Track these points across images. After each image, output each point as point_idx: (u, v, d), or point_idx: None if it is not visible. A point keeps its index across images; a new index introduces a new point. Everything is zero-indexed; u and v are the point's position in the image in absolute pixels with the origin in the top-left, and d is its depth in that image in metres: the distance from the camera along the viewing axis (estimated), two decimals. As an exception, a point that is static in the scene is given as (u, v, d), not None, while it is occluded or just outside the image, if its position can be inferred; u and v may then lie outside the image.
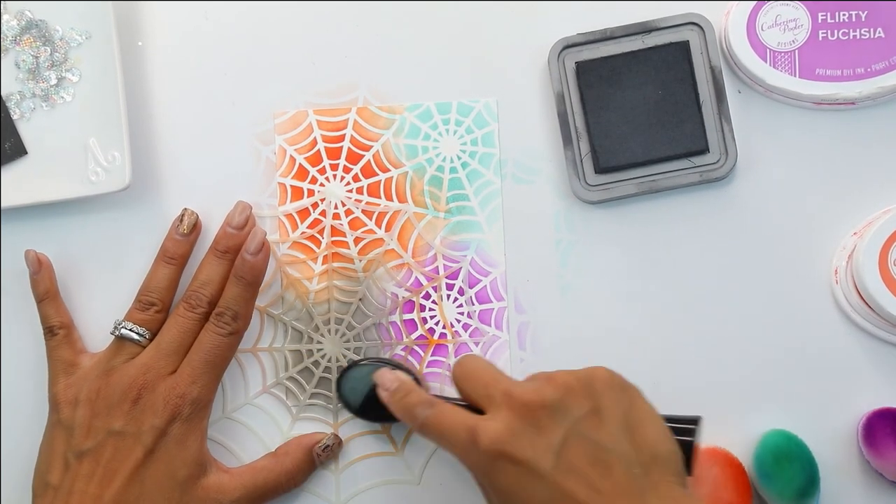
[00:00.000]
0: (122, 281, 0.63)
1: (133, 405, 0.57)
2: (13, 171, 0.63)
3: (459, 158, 0.64)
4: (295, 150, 0.64)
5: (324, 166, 0.64)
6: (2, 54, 0.64)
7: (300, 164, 0.64)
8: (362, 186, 0.64)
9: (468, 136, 0.64)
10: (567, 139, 0.62)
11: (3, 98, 0.63)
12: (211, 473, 0.58)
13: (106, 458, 0.56)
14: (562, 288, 0.63)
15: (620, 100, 0.61)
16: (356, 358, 0.63)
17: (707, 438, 0.60)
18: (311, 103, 0.64)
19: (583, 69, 0.61)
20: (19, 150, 0.63)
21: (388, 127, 0.64)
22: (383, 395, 0.56)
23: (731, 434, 0.60)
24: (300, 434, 0.62)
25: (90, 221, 0.64)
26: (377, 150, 0.64)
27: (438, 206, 0.63)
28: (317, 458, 0.61)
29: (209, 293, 0.60)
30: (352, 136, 0.64)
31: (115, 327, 0.60)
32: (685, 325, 0.62)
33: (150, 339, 0.60)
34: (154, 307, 0.60)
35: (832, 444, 0.60)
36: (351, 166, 0.64)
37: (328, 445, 0.61)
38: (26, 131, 0.63)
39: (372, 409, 0.60)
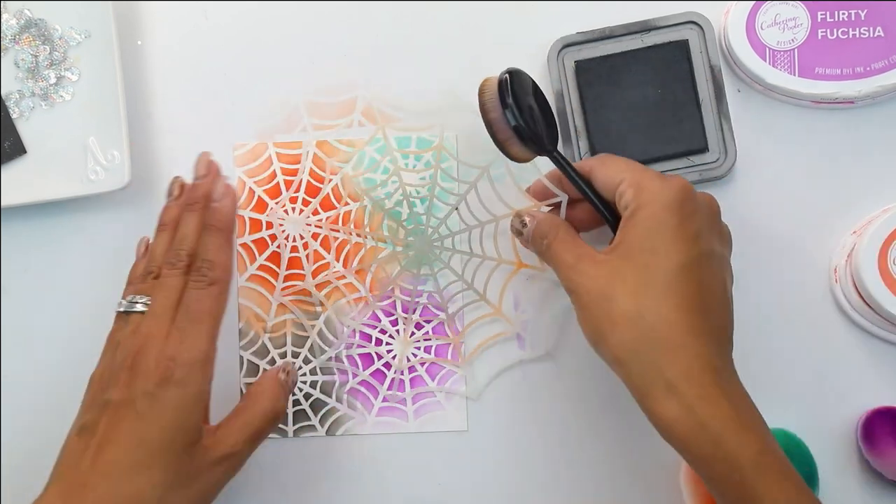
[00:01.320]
0: (122, 280, 0.63)
1: (129, 373, 0.55)
2: (13, 170, 0.63)
3: (419, 193, 0.63)
4: (254, 182, 0.64)
5: (282, 199, 0.64)
6: (1, 53, 0.64)
7: (259, 197, 0.64)
8: (321, 219, 0.63)
9: (426, 170, 0.63)
10: (566, 138, 0.62)
11: (3, 97, 0.63)
12: (206, 436, 0.56)
13: (101, 428, 0.54)
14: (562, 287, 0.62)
15: (620, 99, 0.61)
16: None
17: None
18: (311, 102, 0.64)
19: (582, 68, 0.61)
20: (19, 150, 0.63)
21: (347, 160, 0.64)
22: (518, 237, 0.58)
23: (731, 433, 0.60)
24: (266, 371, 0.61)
25: (90, 221, 0.64)
26: (336, 184, 0.64)
27: (397, 240, 0.63)
28: (284, 385, 0.59)
29: (187, 247, 0.58)
30: (311, 168, 0.64)
31: (119, 304, 0.59)
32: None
33: None
34: (151, 275, 0.58)
35: (831, 443, 0.60)
36: (310, 199, 0.64)
37: (286, 372, 0.59)
38: (25, 130, 0.63)
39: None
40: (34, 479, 0.62)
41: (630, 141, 0.61)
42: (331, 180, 0.64)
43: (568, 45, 0.62)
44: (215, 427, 0.57)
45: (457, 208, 0.63)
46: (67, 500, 0.53)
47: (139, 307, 0.57)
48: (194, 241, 0.58)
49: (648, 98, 0.61)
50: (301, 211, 0.64)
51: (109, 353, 0.57)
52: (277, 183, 0.64)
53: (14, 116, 0.63)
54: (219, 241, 0.58)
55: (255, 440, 0.58)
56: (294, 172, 0.64)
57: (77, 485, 0.54)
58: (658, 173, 0.53)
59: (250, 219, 0.64)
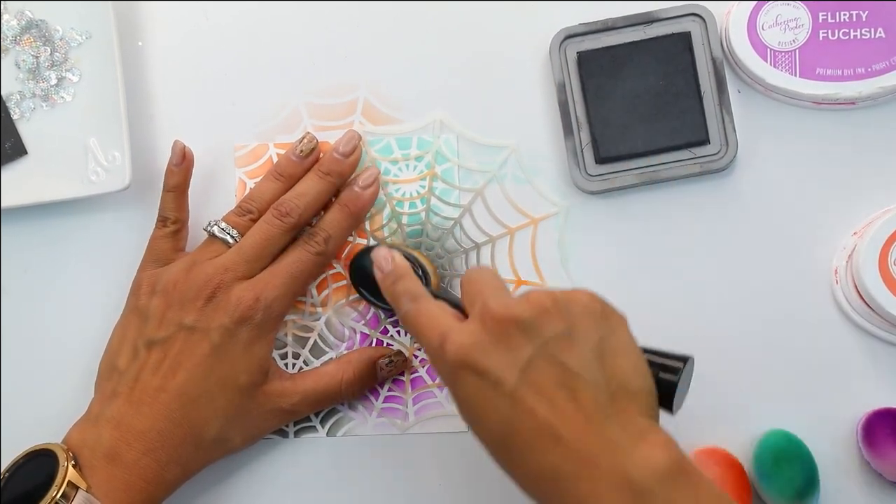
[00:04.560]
0: (122, 281, 0.63)
1: (206, 303, 0.57)
2: (13, 171, 0.63)
3: (419, 193, 0.63)
4: (255, 183, 0.63)
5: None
6: (2, 54, 0.64)
7: None
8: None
9: (427, 171, 0.63)
10: (568, 129, 0.62)
11: (4, 98, 0.63)
12: (273, 380, 0.59)
13: (174, 350, 0.57)
14: (561, 280, 0.62)
15: (621, 90, 0.61)
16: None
17: (706, 438, 0.60)
18: (312, 103, 0.64)
19: (584, 59, 0.61)
20: (19, 150, 0.63)
21: None
22: (377, 275, 0.55)
23: (731, 434, 0.60)
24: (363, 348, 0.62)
25: (90, 221, 0.64)
26: None
27: (397, 242, 0.63)
28: (379, 371, 0.61)
29: (302, 204, 0.60)
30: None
31: (209, 224, 0.60)
32: (684, 320, 0.62)
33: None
34: (250, 214, 0.60)
35: (832, 444, 0.60)
36: None
37: (392, 360, 0.61)
38: (26, 131, 0.63)
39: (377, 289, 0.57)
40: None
41: (631, 132, 0.61)
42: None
43: (570, 36, 0.62)
44: (289, 377, 0.60)
45: (452, 232, 0.63)
46: (139, 409, 0.56)
47: (229, 238, 0.59)
48: (312, 205, 0.60)
49: (650, 89, 0.61)
50: None
51: (178, 267, 0.59)
52: (278, 184, 0.64)
53: (15, 117, 0.63)
54: (346, 224, 0.61)
55: (316, 407, 0.61)
56: (294, 173, 0.64)
57: (148, 398, 0.56)
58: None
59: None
